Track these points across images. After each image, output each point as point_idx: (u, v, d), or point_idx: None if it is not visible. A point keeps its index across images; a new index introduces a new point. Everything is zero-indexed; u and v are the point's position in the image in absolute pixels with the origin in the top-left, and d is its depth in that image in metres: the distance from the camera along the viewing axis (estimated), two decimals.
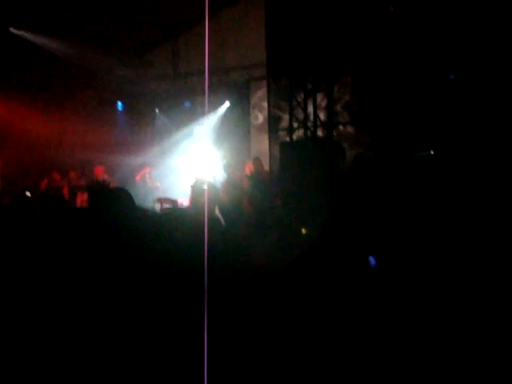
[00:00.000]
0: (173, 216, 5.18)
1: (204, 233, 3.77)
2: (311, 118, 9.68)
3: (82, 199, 12.26)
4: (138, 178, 13.53)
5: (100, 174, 12.90)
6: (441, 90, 11.61)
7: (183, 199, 12.36)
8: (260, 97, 14.25)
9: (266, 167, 12.53)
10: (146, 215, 5.66)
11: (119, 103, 15.90)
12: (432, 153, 11.98)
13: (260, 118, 14.44)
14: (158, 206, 12.45)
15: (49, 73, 14.18)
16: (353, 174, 11.42)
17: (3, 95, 13.61)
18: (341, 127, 11.38)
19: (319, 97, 9.57)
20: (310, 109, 9.76)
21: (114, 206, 3.74)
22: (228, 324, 2.30)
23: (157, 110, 15.91)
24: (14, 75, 13.53)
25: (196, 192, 10.56)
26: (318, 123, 9.54)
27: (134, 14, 13.76)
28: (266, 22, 10.85)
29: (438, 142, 11.78)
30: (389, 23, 10.85)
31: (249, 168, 12.59)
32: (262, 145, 13.94)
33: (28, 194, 5.82)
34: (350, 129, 11.91)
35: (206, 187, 10.86)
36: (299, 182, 9.98)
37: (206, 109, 15.02)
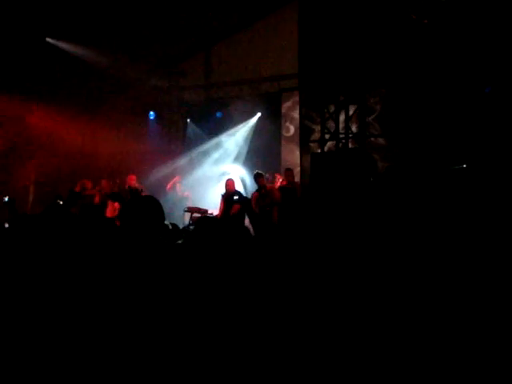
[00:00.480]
0: (202, 225, 5.13)
1: (233, 242, 3.76)
2: (343, 129, 9.63)
3: (112, 208, 12.34)
4: (168, 187, 13.59)
5: (132, 182, 12.97)
6: (475, 104, 11.49)
7: (213, 210, 12.42)
8: (291, 107, 14.24)
9: (297, 178, 12.50)
10: (175, 226, 5.69)
11: (151, 113, 16.02)
12: (465, 166, 11.84)
13: (291, 128, 14.40)
14: (187, 216, 12.55)
15: (82, 82, 14.37)
16: (384, 185, 11.34)
17: (38, 104, 13.82)
18: (372, 139, 11.30)
19: (351, 109, 9.51)
20: (342, 120, 9.72)
21: (144, 215, 3.74)
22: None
23: (188, 120, 16.00)
24: (48, 84, 13.74)
25: (226, 202, 10.57)
26: (350, 135, 9.48)
27: (167, 24, 13.87)
28: (299, 33, 10.86)
29: (471, 156, 11.64)
30: (423, 35, 10.78)
31: (280, 179, 12.57)
32: (292, 155, 13.93)
33: (60, 202, 5.87)
34: (381, 140, 11.83)
35: (236, 197, 10.84)
36: (330, 193, 9.93)
37: (237, 119, 15.06)
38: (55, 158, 14.99)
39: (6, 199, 6.49)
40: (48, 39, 12.79)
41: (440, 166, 11.73)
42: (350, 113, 9.49)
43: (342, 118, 9.69)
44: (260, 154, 14.36)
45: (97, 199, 13.30)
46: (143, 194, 11.67)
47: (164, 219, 4.03)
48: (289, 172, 12.25)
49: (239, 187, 14.52)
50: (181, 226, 8.85)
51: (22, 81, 13.35)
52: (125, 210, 4.04)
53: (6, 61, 12.64)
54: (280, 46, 14.14)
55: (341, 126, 9.59)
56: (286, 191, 11.91)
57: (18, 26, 11.86)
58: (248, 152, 14.91)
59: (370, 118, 11.45)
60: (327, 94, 9.63)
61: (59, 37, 12.98)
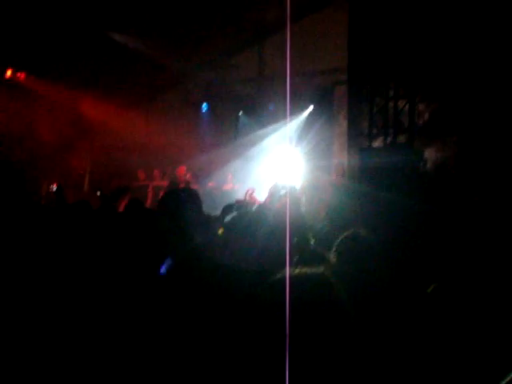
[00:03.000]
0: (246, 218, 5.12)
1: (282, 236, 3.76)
2: (392, 124, 9.51)
3: None
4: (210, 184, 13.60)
5: (182, 173, 13.15)
6: None
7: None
8: (343, 101, 14.12)
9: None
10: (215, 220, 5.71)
11: (204, 105, 16.12)
12: None
13: (343, 122, 14.29)
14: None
15: (136, 74, 14.58)
16: (434, 181, 11.16)
17: (93, 96, 14.11)
18: (424, 133, 11.10)
19: (401, 103, 9.37)
20: (391, 114, 9.58)
21: (180, 209, 3.77)
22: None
23: (240, 113, 16.05)
24: (102, 76, 13.98)
25: (273, 196, 10.55)
26: (399, 129, 9.36)
27: (221, 18, 13.95)
28: (349, 26, 10.76)
29: None
30: (476, 30, 10.53)
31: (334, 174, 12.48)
32: (344, 150, 13.82)
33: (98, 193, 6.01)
34: (433, 134, 11.60)
35: (283, 192, 10.78)
36: (378, 190, 9.82)
37: (289, 112, 14.98)
38: (109, 149, 15.30)
39: (55, 188, 6.70)
40: (105, 31, 12.99)
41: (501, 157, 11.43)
42: (400, 107, 9.35)
43: (391, 111, 9.56)
44: (313, 148, 14.29)
45: (149, 190, 13.56)
46: (192, 185, 11.82)
47: (200, 210, 4.05)
48: (339, 167, 12.20)
49: (290, 181, 14.48)
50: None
51: (77, 72, 13.64)
52: (161, 203, 4.09)
53: (62, 52, 12.93)
54: (334, 39, 14.02)
55: (390, 119, 9.46)
56: (337, 188, 11.83)
57: (74, 18, 12.11)
58: (300, 145, 14.85)
59: (422, 112, 11.25)
60: (376, 88, 9.50)
61: (115, 29, 13.17)
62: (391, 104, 9.31)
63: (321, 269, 1.88)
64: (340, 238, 3.67)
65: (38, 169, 14.19)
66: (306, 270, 1.83)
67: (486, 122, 11.58)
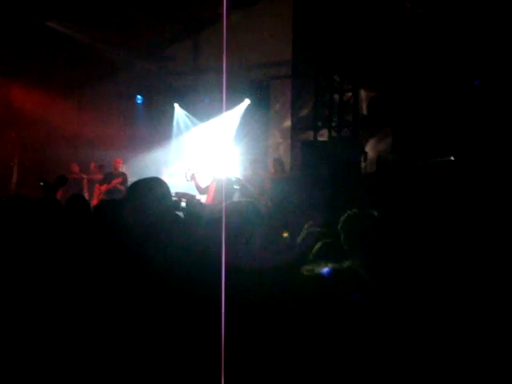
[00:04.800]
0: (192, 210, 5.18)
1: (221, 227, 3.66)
2: (336, 118, 9.56)
3: (99, 191, 12.25)
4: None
5: (118, 166, 12.85)
6: (465, 96, 11.49)
7: (200, 196, 12.23)
8: (280, 95, 14.14)
9: (287, 166, 12.41)
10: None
11: (138, 97, 15.82)
12: (452, 159, 11.87)
13: (278, 117, 14.32)
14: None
15: (69, 64, 14.15)
16: (374, 176, 11.32)
17: (19, 84, 13.60)
18: (365, 128, 11.25)
19: (345, 97, 9.44)
20: (335, 109, 9.63)
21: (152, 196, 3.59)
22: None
23: (176, 105, 15.82)
24: (33, 64, 13.49)
25: (219, 187, 10.40)
26: (344, 123, 9.43)
27: (156, 8, 13.70)
28: (294, 19, 10.77)
29: (459, 148, 11.66)
30: (416, 25, 10.75)
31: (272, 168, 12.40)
32: (281, 143, 13.85)
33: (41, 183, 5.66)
34: (373, 130, 11.77)
35: (236, 186, 10.58)
36: (320, 183, 9.88)
37: (224, 105, 14.87)
38: (40, 140, 14.78)
39: None
40: (36, 18, 12.51)
41: (428, 157, 11.74)
42: (344, 101, 9.41)
43: (335, 105, 9.61)
44: (249, 141, 14.21)
45: (84, 183, 13.21)
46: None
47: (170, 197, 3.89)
48: (278, 161, 12.13)
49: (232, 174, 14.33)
50: None
51: (6, 60, 13.12)
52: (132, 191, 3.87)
53: None
54: (270, 33, 14.00)
55: (334, 114, 9.51)
56: (277, 182, 11.79)
57: (3, 4, 11.63)
58: (236, 138, 14.77)
59: (363, 107, 11.39)
60: (321, 82, 9.53)
61: (47, 15, 12.70)
62: (336, 97, 9.35)
63: (346, 263, 1.82)
64: (343, 217, 3.64)
65: None
66: (333, 265, 1.77)
67: (418, 112, 11.89)
